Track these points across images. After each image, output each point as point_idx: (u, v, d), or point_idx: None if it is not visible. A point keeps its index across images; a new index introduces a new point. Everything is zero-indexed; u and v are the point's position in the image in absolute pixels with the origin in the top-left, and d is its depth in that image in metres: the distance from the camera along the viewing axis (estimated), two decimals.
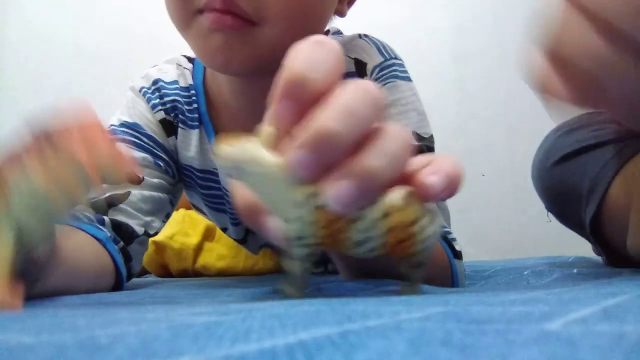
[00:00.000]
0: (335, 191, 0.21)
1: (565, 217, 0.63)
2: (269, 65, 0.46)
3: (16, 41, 1.54)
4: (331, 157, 0.21)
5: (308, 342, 0.12)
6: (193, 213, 0.88)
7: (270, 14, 0.42)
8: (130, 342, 0.13)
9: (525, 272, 0.52)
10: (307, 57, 0.23)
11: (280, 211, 0.23)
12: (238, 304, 0.21)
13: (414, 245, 0.24)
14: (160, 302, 0.30)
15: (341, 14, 0.54)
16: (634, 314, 0.15)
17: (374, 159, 0.22)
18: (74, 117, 0.26)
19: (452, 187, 0.24)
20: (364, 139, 0.22)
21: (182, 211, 0.91)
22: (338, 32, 0.60)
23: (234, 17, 0.41)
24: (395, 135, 0.23)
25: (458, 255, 0.45)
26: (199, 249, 0.87)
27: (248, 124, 0.57)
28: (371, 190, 0.22)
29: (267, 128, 0.23)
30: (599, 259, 0.74)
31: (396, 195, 0.24)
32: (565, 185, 0.58)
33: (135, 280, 0.77)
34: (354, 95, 0.22)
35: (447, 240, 0.46)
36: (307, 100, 0.22)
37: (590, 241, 0.60)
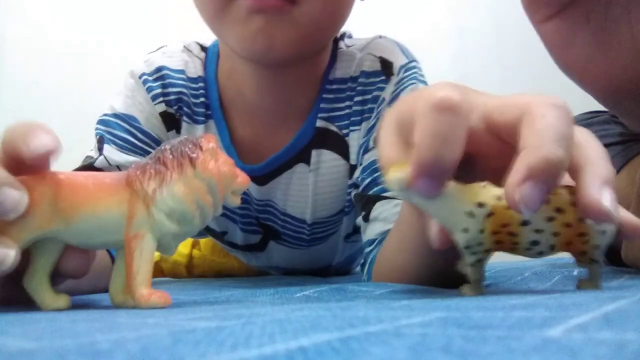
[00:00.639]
0: (523, 196, 0.21)
1: None
2: (307, 47, 0.47)
3: (16, 41, 1.54)
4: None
5: (308, 348, 0.12)
6: None
7: None
8: (130, 348, 0.13)
9: (526, 274, 0.52)
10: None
11: (450, 222, 0.24)
12: (238, 309, 0.21)
13: (588, 241, 0.25)
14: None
15: None
16: (634, 320, 0.15)
17: (550, 145, 0.22)
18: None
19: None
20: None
21: None
22: (349, 36, 0.60)
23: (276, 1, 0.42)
24: (553, 109, 0.23)
25: None
26: (190, 260, 0.87)
27: (264, 121, 0.57)
28: (554, 181, 0.22)
29: (399, 169, 0.24)
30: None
31: (563, 191, 0.24)
32: None
33: None
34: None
35: None
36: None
37: None
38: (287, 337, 0.13)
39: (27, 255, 0.26)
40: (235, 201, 0.28)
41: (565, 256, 0.88)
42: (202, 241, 0.86)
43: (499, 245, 0.25)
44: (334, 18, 0.48)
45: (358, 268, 0.78)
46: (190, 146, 0.27)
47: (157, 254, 0.88)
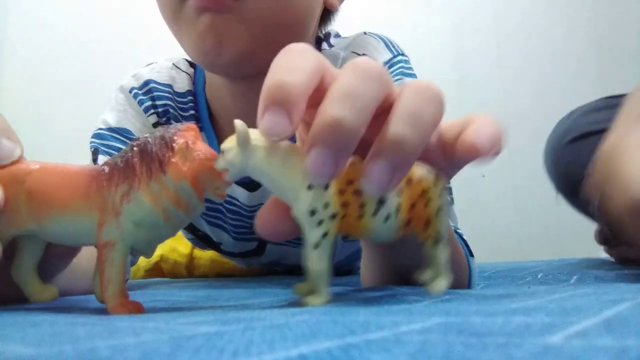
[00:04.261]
0: (371, 176, 0.21)
1: (575, 195, 0.63)
2: (261, 48, 0.45)
3: (16, 41, 1.54)
4: (348, 147, 0.21)
5: (308, 355, 0.12)
6: None
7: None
8: (130, 355, 0.13)
9: (526, 274, 0.52)
10: (283, 63, 0.22)
11: (291, 183, 0.23)
12: (238, 312, 0.21)
13: (429, 202, 0.24)
14: (160, 305, 0.30)
15: (332, 6, 0.53)
16: (635, 325, 0.15)
17: (402, 125, 0.21)
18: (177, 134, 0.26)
19: (496, 147, 0.24)
20: (385, 107, 0.22)
21: None
22: (337, 35, 0.60)
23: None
24: (417, 90, 0.22)
25: (472, 253, 0.45)
26: (190, 260, 0.87)
27: (248, 124, 0.57)
28: (405, 160, 0.21)
29: (240, 125, 0.23)
30: (599, 259, 0.74)
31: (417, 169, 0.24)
32: (579, 162, 0.58)
33: (134, 281, 0.77)
34: (350, 75, 0.21)
35: (462, 239, 0.45)
36: (292, 104, 0.21)
37: (594, 218, 0.60)
38: (287, 344, 0.13)
39: (13, 248, 0.27)
40: (220, 197, 0.26)
41: (564, 257, 0.88)
42: None
43: (347, 210, 0.23)
44: (285, 14, 0.46)
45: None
46: (161, 146, 0.25)
47: (157, 255, 0.87)
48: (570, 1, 1.69)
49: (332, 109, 0.20)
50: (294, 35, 0.49)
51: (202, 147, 0.25)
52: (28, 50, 1.55)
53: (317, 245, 0.22)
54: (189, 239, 0.70)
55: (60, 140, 1.36)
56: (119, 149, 0.52)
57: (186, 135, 0.25)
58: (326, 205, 0.22)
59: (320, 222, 0.22)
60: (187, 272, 0.87)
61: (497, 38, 1.63)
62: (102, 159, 0.51)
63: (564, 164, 0.63)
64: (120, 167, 0.25)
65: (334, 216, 0.23)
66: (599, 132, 0.56)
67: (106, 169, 0.25)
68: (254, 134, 0.23)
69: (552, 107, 1.47)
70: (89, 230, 0.25)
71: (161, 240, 0.26)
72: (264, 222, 0.25)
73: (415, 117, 0.21)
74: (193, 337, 0.14)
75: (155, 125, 0.54)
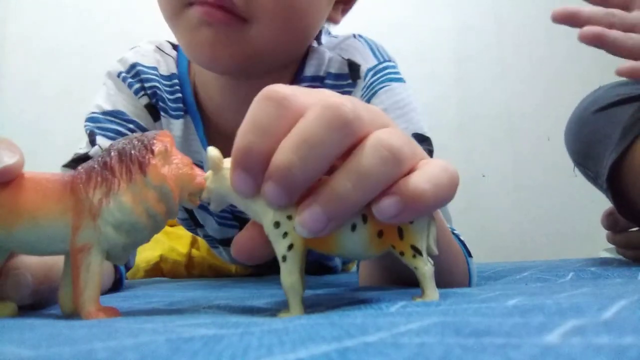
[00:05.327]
0: (302, 217, 0.21)
1: (589, 166, 0.62)
2: (256, 65, 0.45)
3: (16, 41, 1.54)
4: (299, 189, 0.21)
5: None
6: (172, 230, 0.89)
7: (261, 12, 0.42)
8: (128, 356, 0.13)
9: (525, 274, 0.52)
10: (257, 120, 0.22)
11: (259, 210, 0.23)
12: (236, 315, 0.21)
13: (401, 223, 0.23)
14: (158, 306, 0.30)
15: (334, 21, 0.53)
16: (633, 324, 0.15)
17: (343, 180, 0.21)
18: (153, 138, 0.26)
19: (438, 197, 0.23)
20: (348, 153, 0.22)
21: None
22: (327, 32, 0.60)
23: (225, 11, 0.41)
24: (375, 147, 0.22)
25: (470, 253, 0.45)
26: (190, 260, 0.88)
27: (235, 119, 0.56)
28: (340, 214, 0.21)
29: (212, 151, 0.24)
30: (599, 259, 0.74)
31: None
32: (601, 131, 0.58)
33: (134, 281, 0.77)
34: (315, 122, 0.21)
35: (460, 240, 0.45)
36: (257, 171, 0.22)
37: (603, 190, 0.60)
38: (285, 349, 0.13)
39: None
40: (194, 203, 0.26)
41: (564, 257, 0.88)
42: (201, 241, 0.87)
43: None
44: (289, 39, 0.46)
45: (354, 268, 0.78)
46: (140, 149, 0.24)
47: (156, 255, 0.87)
48: (570, 1, 1.69)
49: (286, 154, 0.21)
50: (294, 53, 0.50)
51: (178, 154, 0.25)
52: (28, 50, 1.55)
53: (284, 258, 0.23)
54: (179, 220, 0.70)
55: (61, 140, 1.36)
56: (115, 130, 0.52)
57: (164, 140, 0.25)
58: (290, 217, 0.22)
59: (285, 234, 0.23)
60: (187, 271, 0.87)
61: (498, 38, 1.63)
62: (100, 139, 0.51)
63: (588, 132, 0.62)
64: (98, 170, 0.24)
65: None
66: (628, 101, 0.56)
67: (82, 172, 0.24)
68: (227, 162, 0.24)
69: (553, 107, 1.47)
70: (63, 235, 0.24)
71: (135, 245, 0.26)
72: (239, 247, 0.25)
73: (361, 177, 0.21)
74: (191, 339, 0.14)
75: (147, 106, 0.54)
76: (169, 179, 0.24)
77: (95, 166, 0.24)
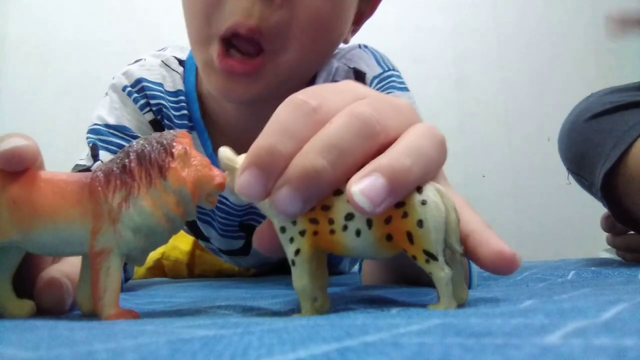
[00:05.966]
0: (277, 200, 0.20)
1: (583, 175, 0.62)
2: (277, 91, 0.44)
3: (16, 41, 1.54)
4: (319, 196, 0.21)
5: None
6: None
7: (291, 40, 0.42)
8: (128, 358, 0.13)
9: (526, 274, 0.52)
10: (281, 123, 0.21)
11: (268, 212, 0.23)
12: (236, 316, 0.21)
13: (407, 214, 0.22)
14: (159, 307, 0.30)
15: (346, 41, 0.54)
16: (633, 325, 0.15)
17: (313, 154, 0.20)
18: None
19: (421, 166, 0.21)
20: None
21: None
22: None
23: (243, 63, 0.41)
24: (345, 116, 0.21)
25: None
26: (192, 258, 0.87)
27: (246, 137, 0.56)
28: (315, 193, 0.21)
29: (220, 150, 0.24)
30: (599, 259, 0.74)
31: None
32: (593, 140, 0.58)
33: (135, 280, 0.77)
34: (343, 127, 0.21)
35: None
36: (273, 174, 0.21)
37: (598, 198, 0.60)
38: (285, 348, 0.13)
39: None
40: (212, 204, 0.25)
41: (564, 257, 0.88)
42: None
43: (317, 227, 0.22)
44: (317, 62, 0.47)
45: (355, 268, 0.78)
46: (159, 152, 0.24)
47: (158, 251, 0.87)
48: (570, 1, 1.69)
49: (314, 158, 0.20)
50: (313, 71, 0.51)
51: (197, 154, 0.25)
52: (28, 50, 1.55)
53: (293, 263, 0.22)
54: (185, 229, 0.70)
55: (61, 140, 1.36)
56: (118, 145, 0.52)
57: (183, 141, 0.25)
58: (294, 222, 0.22)
59: (291, 240, 0.22)
60: (188, 270, 0.87)
61: (497, 38, 1.63)
62: (103, 154, 0.51)
63: (581, 141, 0.62)
64: (117, 173, 0.24)
65: (302, 233, 0.22)
66: (620, 108, 0.56)
67: (100, 174, 0.24)
68: (241, 159, 0.23)
69: (552, 107, 1.47)
70: (81, 238, 0.24)
71: (155, 247, 0.25)
72: (260, 239, 0.25)
73: (332, 149, 0.20)
74: (191, 340, 0.14)
75: (152, 122, 0.54)
76: (189, 182, 0.24)
77: (114, 169, 0.24)
